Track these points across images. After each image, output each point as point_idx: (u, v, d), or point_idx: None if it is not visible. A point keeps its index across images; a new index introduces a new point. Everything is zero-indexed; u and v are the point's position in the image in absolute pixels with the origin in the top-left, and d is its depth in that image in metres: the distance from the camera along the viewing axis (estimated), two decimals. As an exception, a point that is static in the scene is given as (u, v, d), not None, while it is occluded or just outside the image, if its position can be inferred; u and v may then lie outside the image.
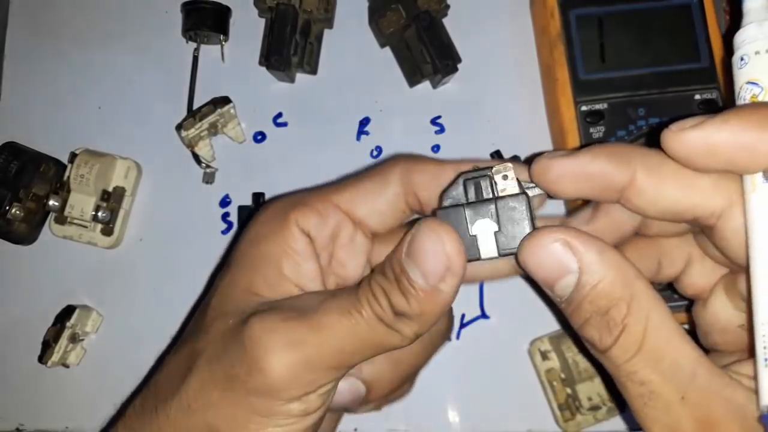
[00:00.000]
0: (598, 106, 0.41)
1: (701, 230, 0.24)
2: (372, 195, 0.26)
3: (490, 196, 0.24)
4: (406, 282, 0.22)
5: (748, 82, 0.21)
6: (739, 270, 0.23)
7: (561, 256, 0.21)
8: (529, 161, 0.24)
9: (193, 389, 0.24)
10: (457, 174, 0.24)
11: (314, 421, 0.24)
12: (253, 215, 0.35)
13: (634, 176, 0.22)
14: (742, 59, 0.22)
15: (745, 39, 0.22)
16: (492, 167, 0.24)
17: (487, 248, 0.24)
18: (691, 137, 0.20)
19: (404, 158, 0.27)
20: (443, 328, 0.28)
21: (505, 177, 0.24)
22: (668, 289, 0.37)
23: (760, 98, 0.21)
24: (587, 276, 0.21)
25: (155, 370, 0.26)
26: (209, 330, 0.25)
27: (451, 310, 0.28)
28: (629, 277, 0.21)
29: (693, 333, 0.38)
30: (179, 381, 0.24)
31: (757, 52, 0.21)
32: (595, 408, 0.40)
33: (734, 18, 0.39)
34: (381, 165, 0.27)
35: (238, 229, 0.44)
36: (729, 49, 0.23)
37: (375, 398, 0.26)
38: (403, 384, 0.27)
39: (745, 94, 0.21)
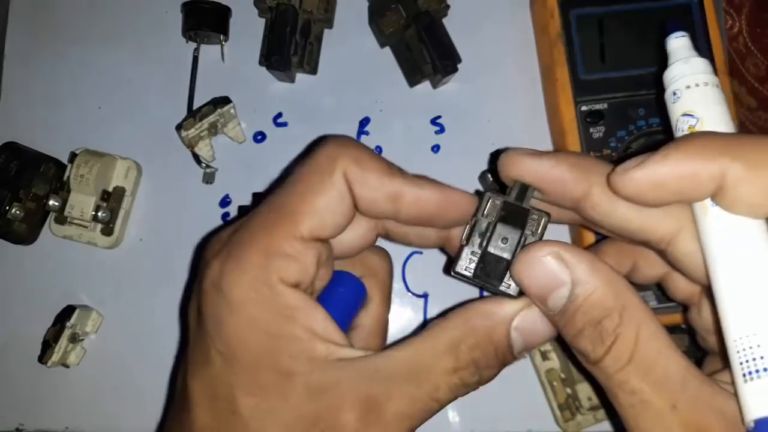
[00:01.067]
0: (598, 106, 0.41)
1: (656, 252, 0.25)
2: (329, 212, 0.24)
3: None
4: (508, 354, 0.24)
5: (684, 114, 0.23)
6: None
7: (553, 269, 0.22)
8: (495, 155, 0.25)
9: None
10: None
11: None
12: None
13: (590, 189, 0.23)
14: (674, 94, 0.24)
15: (675, 75, 0.24)
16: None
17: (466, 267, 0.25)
18: (636, 176, 0.21)
19: (343, 152, 0.24)
20: (389, 268, 0.29)
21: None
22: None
23: (697, 128, 0.22)
24: (580, 287, 0.22)
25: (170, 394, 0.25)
26: None
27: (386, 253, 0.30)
28: (621, 289, 0.21)
29: (692, 335, 0.38)
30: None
31: (687, 87, 0.23)
32: (595, 408, 0.40)
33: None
34: (319, 161, 0.24)
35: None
36: (660, 87, 0.24)
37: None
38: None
39: (682, 125, 0.23)
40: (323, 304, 0.24)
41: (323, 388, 0.22)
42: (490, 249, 0.24)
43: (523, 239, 0.24)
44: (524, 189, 0.25)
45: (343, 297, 0.26)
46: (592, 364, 0.22)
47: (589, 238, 0.40)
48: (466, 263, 0.25)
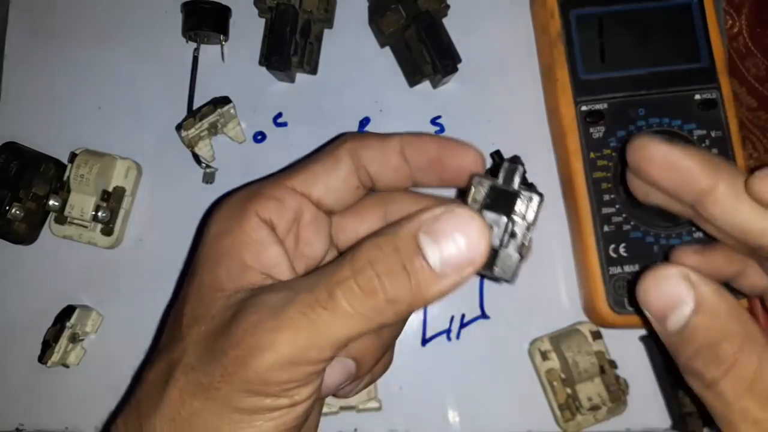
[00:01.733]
0: (598, 106, 0.41)
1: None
2: (325, 174, 0.27)
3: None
4: (417, 261, 0.21)
5: None
6: None
7: (679, 289, 0.22)
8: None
9: (174, 401, 0.23)
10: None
11: (305, 410, 0.23)
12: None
13: (716, 185, 0.24)
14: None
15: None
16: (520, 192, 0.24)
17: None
18: None
19: (351, 136, 0.28)
20: None
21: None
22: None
23: None
24: (704, 308, 0.22)
25: (134, 386, 0.26)
26: (184, 338, 0.24)
27: None
28: (743, 316, 0.22)
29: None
30: (159, 395, 0.23)
31: None
32: (595, 408, 0.40)
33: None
34: (330, 145, 0.28)
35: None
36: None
37: (363, 373, 0.26)
38: (384, 353, 0.27)
39: None
40: None
41: (236, 305, 0.23)
42: None
43: (510, 225, 0.23)
44: (512, 170, 0.24)
45: None
46: (706, 388, 0.22)
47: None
48: None
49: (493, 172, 0.26)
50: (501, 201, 0.23)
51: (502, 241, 0.23)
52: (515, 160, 0.25)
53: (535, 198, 0.23)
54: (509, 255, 0.23)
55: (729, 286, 0.29)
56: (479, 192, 0.24)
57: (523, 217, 0.23)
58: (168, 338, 0.25)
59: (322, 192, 0.27)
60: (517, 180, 0.24)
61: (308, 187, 0.27)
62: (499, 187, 0.24)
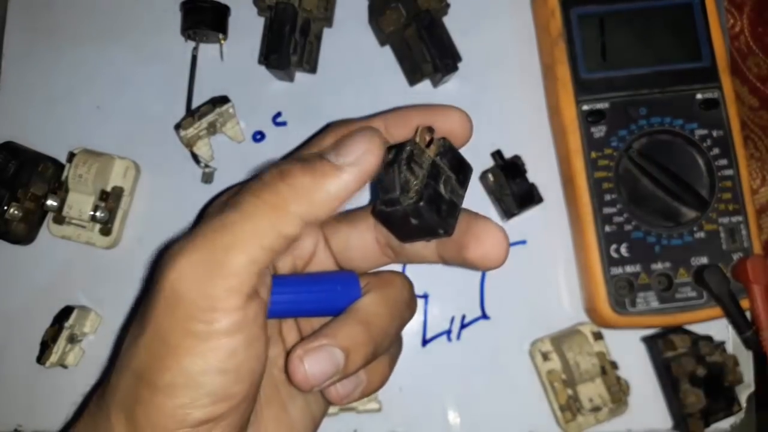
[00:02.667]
0: (599, 106, 0.41)
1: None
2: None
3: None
4: (310, 156, 0.23)
5: None
6: None
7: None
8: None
9: (123, 349, 0.24)
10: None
11: (235, 346, 0.22)
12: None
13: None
14: None
15: None
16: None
17: None
18: None
19: (335, 123, 0.28)
20: (406, 297, 0.28)
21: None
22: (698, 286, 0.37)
23: None
24: None
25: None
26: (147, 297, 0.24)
27: (411, 285, 0.29)
28: None
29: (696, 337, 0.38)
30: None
31: None
32: (596, 409, 0.40)
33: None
34: (316, 137, 0.27)
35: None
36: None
37: (351, 369, 0.24)
38: (377, 351, 0.26)
39: None
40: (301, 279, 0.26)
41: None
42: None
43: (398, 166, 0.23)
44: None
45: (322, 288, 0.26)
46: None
47: (591, 237, 0.39)
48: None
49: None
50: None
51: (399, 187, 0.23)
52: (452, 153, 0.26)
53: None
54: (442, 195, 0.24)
55: None
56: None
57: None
58: None
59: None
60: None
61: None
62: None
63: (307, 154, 0.24)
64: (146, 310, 0.23)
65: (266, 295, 0.24)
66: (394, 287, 0.27)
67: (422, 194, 0.23)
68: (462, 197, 0.25)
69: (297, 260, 0.28)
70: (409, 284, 0.28)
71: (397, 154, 0.23)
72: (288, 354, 0.24)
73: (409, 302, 0.28)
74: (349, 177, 0.23)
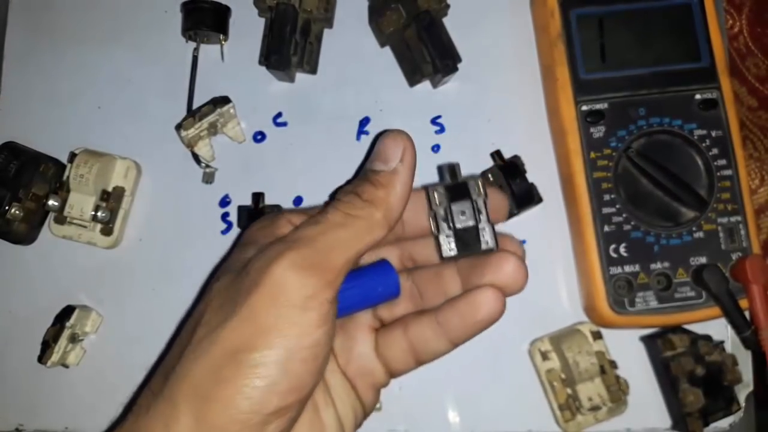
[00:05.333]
0: (598, 106, 0.41)
1: None
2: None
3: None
4: (370, 174, 0.28)
5: None
6: None
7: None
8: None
9: (198, 340, 0.25)
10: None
11: (319, 338, 0.24)
12: (252, 215, 0.37)
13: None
14: None
15: None
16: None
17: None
18: None
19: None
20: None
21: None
22: (699, 286, 0.38)
23: None
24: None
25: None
26: (210, 292, 0.26)
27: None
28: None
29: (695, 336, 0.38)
30: (183, 347, 0.25)
31: None
32: (595, 408, 0.40)
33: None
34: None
35: (238, 234, 0.44)
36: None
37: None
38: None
39: None
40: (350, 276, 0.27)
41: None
42: (458, 225, 0.29)
43: (474, 204, 0.29)
44: (452, 168, 0.30)
45: (365, 283, 0.29)
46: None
47: (589, 231, 0.40)
48: (448, 246, 0.29)
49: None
50: (458, 193, 0.29)
51: (476, 219, 0.29)
52: (450, 166, 0.30)
53: (479, 179, 0.29)
54: (485, 228, 0.29)
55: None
56: (439, 195, 0.29)
57: (479, 195, 0.29)
58: (196, 308, 0.27)
59: None
60: (459, 173, 0.30)
61: None
62: (450, 185, 0.29)
63: (361, 173, 0.29)
64: (237, 300, 0.25)
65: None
66: None
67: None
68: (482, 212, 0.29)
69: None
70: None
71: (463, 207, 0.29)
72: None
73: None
74: (404, 174, 0.28)
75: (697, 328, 0.41)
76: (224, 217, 0.45)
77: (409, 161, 0.28)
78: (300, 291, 0.24)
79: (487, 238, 0.28)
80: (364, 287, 0.29)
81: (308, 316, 0.24)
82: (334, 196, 0.29)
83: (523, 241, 0.44)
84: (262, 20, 0.45)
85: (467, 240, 0.29)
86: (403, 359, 0.30)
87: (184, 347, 0.25)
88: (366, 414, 0.30)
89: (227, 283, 0.26)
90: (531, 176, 0.42)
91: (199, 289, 0.43)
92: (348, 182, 0.30)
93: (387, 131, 0.28)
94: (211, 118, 0.43)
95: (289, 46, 0.43)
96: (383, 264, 0.30)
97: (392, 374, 0.31)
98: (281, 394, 0.24)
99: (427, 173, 0.45)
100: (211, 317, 0.25)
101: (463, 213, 0.29)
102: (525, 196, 0.42)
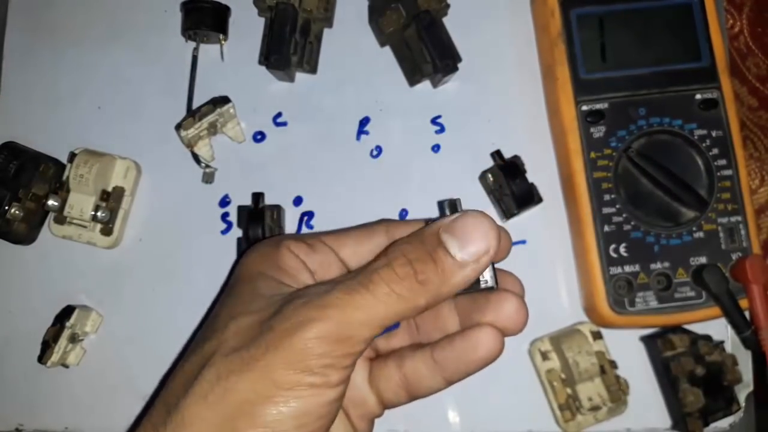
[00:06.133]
0: (598, 106, 0.41)
1: None
2: (356, 240, 0.30)
3: None
4: (439, 251, 0.25)
5: None
6: None
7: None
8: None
9: (209, 382, 0.24)
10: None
11: (337, 396, 0.24)
12: (252, 215, 0.37)
13: None
14: None
15: None
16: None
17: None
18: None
19: (387, 219, 0.32)
20: None
21: None
22: (698, 286, 0.38)
23: None
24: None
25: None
26: (223, 331, 0.25)
27: None
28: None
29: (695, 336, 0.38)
30: (192, 379, 0.24)
31: None
32: (595, 408, 0.40)
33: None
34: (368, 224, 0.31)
35: (241, 236, 0.44)
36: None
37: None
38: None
39: None
40: None
41: (281, 301, 0.26)
42: None
43: None
44: (453, 203, 0.28)
45: None
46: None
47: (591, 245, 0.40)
48: None
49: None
50: None
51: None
52: (452, 201, 0.28)
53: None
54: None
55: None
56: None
57: None
58: (202, 337, 0.26)
59: (350, 254, 0.30)
60: (459, 208, 0.27)
61: (339, 246, 0.30)
62: None
63: (429, 236, 0.26)
64: (254, 353, 0.24)
65: None
66: None
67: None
68: None
69: None
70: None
71: None
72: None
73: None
74: (470, 274, 0.25)
75: (697, 328, 0.41)
76: (224, 217, 0.45)
77: (484, 263, 0.25)
78: (322, 360, 0.24)
79: (486, 278, 0.27)
80: None
81: (326, 379, 0.24)
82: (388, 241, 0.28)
83: (523, 241, 0.44)
84: (262, 20, 0.45)
85: None
86: (396, 393, 0.30)
87: (188, 382, 0.24)
88: None
89: (245, 327, 0.25)
90: (531, 176, 0.42)
91: (198, 292, 0.43)
92: (406, 226, 0.29)
93: (479, 213, 0.26)
94: (210, 118, 0.43)
95: (289, 46, 0.43)
96: None
97: (385, 406, 0.31)
98: None
99: (427, 173, 0.45)
100: (224, 361, 0.24)
101: None
102: (525, 197, 0.42)
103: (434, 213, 0.44)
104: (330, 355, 0.24)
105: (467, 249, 0.25)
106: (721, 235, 0.39)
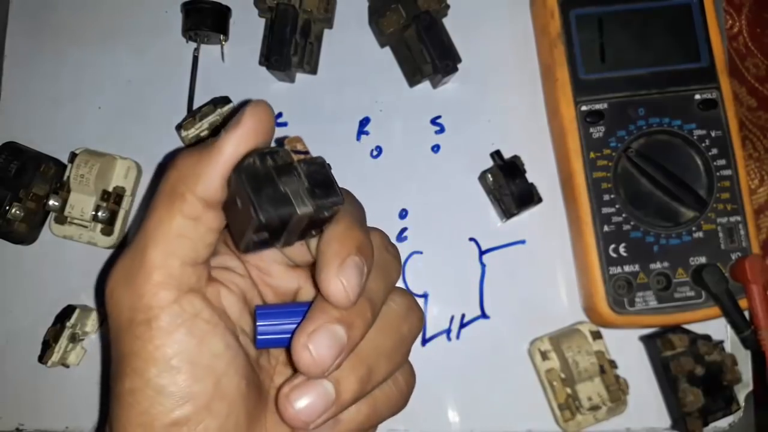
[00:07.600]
0: (598, 106, 0.41)
1: None
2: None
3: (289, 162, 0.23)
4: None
5: None
6: None
7: None
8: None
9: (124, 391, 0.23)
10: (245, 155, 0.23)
11: (194, 332, 0.22)
12: None
13: None
14: None
15: None
16: (282, 143, 0.24)
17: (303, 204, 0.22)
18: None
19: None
20: (400, 309, 0.28)
21: (295, 149, 0.24)
22: (698, 286, 0.38)
23: None
24: None
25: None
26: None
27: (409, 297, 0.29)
28: None
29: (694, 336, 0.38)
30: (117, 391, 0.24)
31: None
32: (595, 408, 0.40)
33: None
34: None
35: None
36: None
37: (347, 397, 0.24)
38: (373, 377, 0.25)
39: None
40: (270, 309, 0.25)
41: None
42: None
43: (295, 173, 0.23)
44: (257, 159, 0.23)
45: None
46: None
47: (590, 240, 0.40)
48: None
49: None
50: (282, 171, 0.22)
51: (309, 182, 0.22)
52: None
53: (300, 140, 0.24)
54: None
55: None
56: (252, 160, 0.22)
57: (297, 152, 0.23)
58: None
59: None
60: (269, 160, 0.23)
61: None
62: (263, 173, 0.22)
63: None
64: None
65: (215, 291, 0.24)
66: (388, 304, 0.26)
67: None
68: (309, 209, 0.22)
69: (283, 296, 0.28)
70: (406, 296, 0.27)
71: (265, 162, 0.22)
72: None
73: (404, 315, 0.27)
74: (228, 141, 0.22)
75: (697, 328, 0.41)
76: (224, 217, 0.45)
77: (245, 128, 0.23)
78: (134, 306, 0.22)
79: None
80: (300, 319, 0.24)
81: (155, 326, 0.22)
82: None
83: (523, 241, 0.44)
84: (263, 21, 0.45)
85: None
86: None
87: (117, 393, 0.23)
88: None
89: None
90: (531, 176, 0.42)
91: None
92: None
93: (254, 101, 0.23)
94: (211, 118, 0.43)
95: (290, 47, 0.43)
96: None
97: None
98: (169, 411, 0.22)
99: (427, 173, 0.45)
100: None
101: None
102: (524, 197, 0.42)
103: (434, 213, 0.44)
104: (137, 295, 0.22)
105: (228, 126, 0.23)
106: (721, 235, 0.39)
